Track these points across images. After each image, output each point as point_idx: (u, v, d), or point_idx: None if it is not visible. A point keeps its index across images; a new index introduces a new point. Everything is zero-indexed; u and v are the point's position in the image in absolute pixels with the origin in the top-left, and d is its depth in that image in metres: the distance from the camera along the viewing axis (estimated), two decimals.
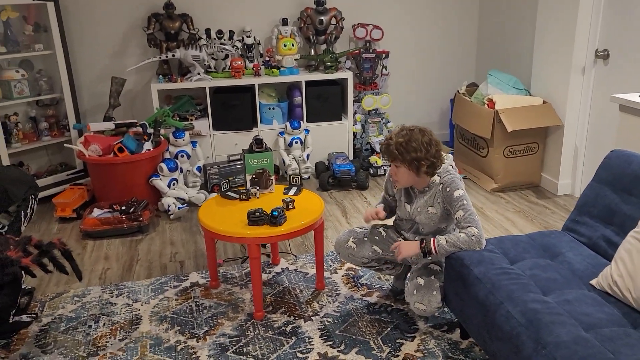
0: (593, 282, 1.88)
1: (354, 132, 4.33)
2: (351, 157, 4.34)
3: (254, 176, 2.71)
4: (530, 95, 3.86)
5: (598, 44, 3.38)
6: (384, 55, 4.38)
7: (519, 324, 1.70)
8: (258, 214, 2.38)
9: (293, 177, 2.78)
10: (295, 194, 2.71)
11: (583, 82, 3.50)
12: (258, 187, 2.70)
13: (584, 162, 3.64)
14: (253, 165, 2.69)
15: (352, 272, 2.85)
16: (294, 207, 2.54)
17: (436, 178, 2.23)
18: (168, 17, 4.05)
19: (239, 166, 4.07)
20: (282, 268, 2.93)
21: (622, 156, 2.13)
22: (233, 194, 2.71)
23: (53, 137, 3.93)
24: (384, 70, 4.44)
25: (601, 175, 2.18)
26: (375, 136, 4.29)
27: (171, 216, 3.60)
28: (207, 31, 4.13)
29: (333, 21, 4.29)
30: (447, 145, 4.66)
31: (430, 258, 2.28)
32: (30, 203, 2.40)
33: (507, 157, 3.75)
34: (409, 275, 2.34)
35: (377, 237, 2.46)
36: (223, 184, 2.75)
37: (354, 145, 4.39)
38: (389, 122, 4.29)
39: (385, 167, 4.21)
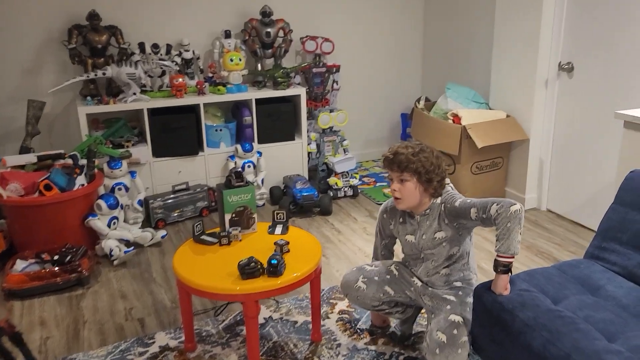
0: None
1: (308, 152, 4.02)
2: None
3: (233, 215, 2.32)
4: (490, 109, 3.79)
5: (561, 57, 3.36)
6: (335, 69, 4.13)
7: None
8: (253, 264, 2.00)
9: (277, 214, 2.42)
10: (283, 232, 2.36)
11: (547, 95, 3.47)
12: (239, 228, 2.31)
13: (549, 176, 3.60)
14: (232, 203, 2.30)
15: (347, 316, 2.54)
16: (288, 251, 2.18)
17: (437, 199, 2.03)
18: (93, 30, 3.51)
19: (185, 197, 3.61)
20: (264, 318, 2.54)
21: None
22: (210, 238, 2.30)
23: None
24: (334, 85, 4.19)
25: (624, 198, 2.06)
26: (332, 155, 4.01)
27: (115, 262, 3.07)
28: (141, 45, 3.63)
29: (281, 33, 3.96)
30: None
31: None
32: None
33: (474, 174, 3.63)
34: (427, 328, 2.05)
35: (389, 277, 2.19)
36: (196, 226, 2.32)
37: (309, 166, 4.08)
38: (344, 140, 4.04)
39: (346, 189, 3.95)
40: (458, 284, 2.10)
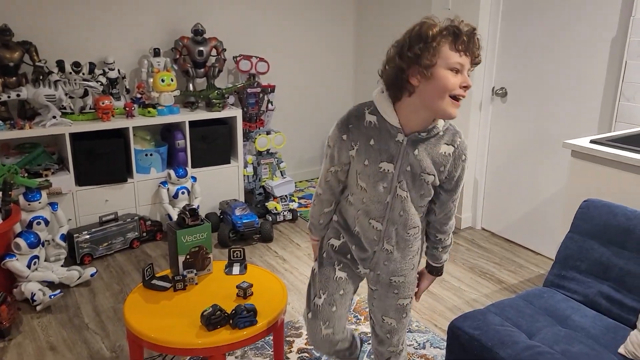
0: (621, 350, 1.78)
1: (244, 176, 3.86)
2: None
3: (188, 257, 2.13)
4: None
5: (495, 83, 3.49)
6: (270, 90, 4.01)
7: None
8: (219, 313, 1.84)
9: (234, 251, 2.26)
10: (241, 272, 2.21)
11: (481, 118, 3.59)
12: (194, 270, 2.13)
13: (484, 196, 3.73)
14: (187, 244, 2.11)
15: (307, 355, 2.42)
16: (252, 294, 2.04)
17: (440, 123, 1.57)
18: (3, 46, 3.14)
19: (114, 229, 3.32)
20: None
21: (601, 207, 2.10)
22: (162, 283, 2.09)
23: None
24: (269, 105, 4.07)
25: (580, 227, 2.13)
26: (269, 179, 3.88)
27: (38, 307, 2.74)
28: (60, 63, 3.30)
29: (214, 52, 3.78)
30: None
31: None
32: None
33: None
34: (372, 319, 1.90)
35: (341, 293, 1.77)
36: (146, 270, 2.11)
37: (245, 189, 3.92)
38: (282, 162, 3.93)
39: (286, 213, 3.83)
40: (413, 257, 1.77)
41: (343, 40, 4.57)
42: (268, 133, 3.85)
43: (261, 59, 3.96)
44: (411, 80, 1.49)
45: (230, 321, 1.84)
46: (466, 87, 1.48)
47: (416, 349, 2.47)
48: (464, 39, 1.43)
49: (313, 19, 4.37)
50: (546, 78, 3.18)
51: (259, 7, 4.09)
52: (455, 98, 1.48)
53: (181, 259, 2.12)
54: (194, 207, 2.14)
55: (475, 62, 1.50)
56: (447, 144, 1.59)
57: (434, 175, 1.60)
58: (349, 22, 4.55)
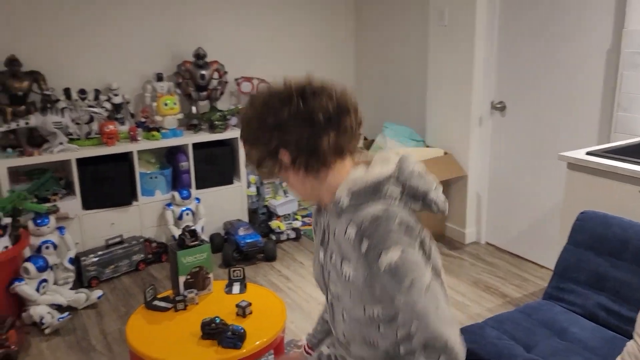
0: None
1: (248, 195, 3.91)
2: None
3: (188, 277, 2.17)
4: (427, 146, 3.89)
5: (494, 97, 3.52)
6: None
7: None
8: (214, 325, 1.87)
9: (234, 271, 2.29)
10: (241, 291, 2.24)
11: (481, 132, 3.61)
12: (195, 290, 2.17)
13: (487, 210, 3.73)
14: (188, 265, 2.15)
15: None
16: (251, 312, 2.07)
17: (344, 198, 1.17)
18: (12, 76, 3.24)
19: (120, 251, 3.37)
20: None
21: (596, 218, 2.11)
22: (164, 304, 2.13)
23: None
24: None
25: (577, 239, 2.14)
26: (272, 198, 3.92)
27: (46, 330, 2.78)
28: (67, 91, 3.39)
29: (215, 75, 3.86)
30: None
31: None
32: None
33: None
34: None
35: None
36: (148, 291, 2.15)
37: (249, 209, 3.97)
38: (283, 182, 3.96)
39: (289, 232, 3.86)
40: None
41: (343, 60, 4.63)
42: None
43: (262, 80, 4.03)
44: None
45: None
46: None
47: None
48: None
49: (312, 39, 4.44)
50: (544, 91, 3.21)
51: (258, 28, 4.17)
52: None
53: (182, 279, 2.15)
54: (193, 228, 2.19)
55: None
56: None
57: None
58: (349, 40, 4.62)
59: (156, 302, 2.15)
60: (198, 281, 2.19)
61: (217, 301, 2.17)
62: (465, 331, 1.96)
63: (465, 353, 1.11)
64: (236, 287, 2.26)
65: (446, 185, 3.79)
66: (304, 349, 1.55)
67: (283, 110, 1.15)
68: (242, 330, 1.88)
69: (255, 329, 1.94)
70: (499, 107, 3.49)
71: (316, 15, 4.40)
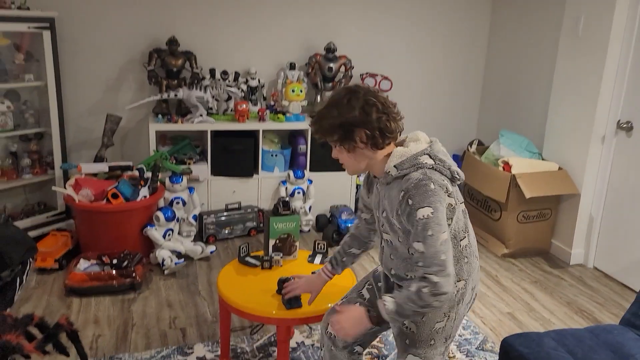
0: None
1: (357, 185, 4.14)
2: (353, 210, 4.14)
3: (277, 242, 2.46)
4: (543, 159, 3.79)
5: (621, 116, 3.34)
6: None
7: None
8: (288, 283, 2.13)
9: (318, 244, 2.54)
10: (322, 262, 2.48)
11: (602, 152, 3.44)
12: (281, 254, 2.45)
13: (599, 233, 3.55)
14: (278, 230, 2.45)
15: (375, 351, 2.61)
16: None
17: (392, 169, 1.62)
18: (171, 54, 3.80)
19: (237, 216, 3.80)
20: (296, 342, 2.66)
21: None
22: (253, 261, 2.45)
23: (35, 174, 3.57)
24: None
25: None
26: None
27: (165, 271, 3.29)
28: (212, 71, 3.89)
29: (342, 69, 4.14)
30: None
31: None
32: (27, 268, 2.07)
33: (520, 222, 3.63)
34: None
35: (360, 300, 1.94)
36: (242, 248, 2.48)
37: (356, 198, 4.20)
38: None
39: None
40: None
41: (473, 59, 4.63)
42: None
43: (385, 77, 4.22)
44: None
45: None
46: None
47: None
48: None
49: (442, 39, 4.51)
50: None
51: (387, 29, 4.35)
52: None
53: (271, 242, 2.45)
54: (287, 199, 2.47)
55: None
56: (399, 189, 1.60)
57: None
58: (481, 41, 4.61)
59: (247, 259, 2.47)
60: (285, 246, 2.47)
61: (298, 267, 2.44)
62: (521, 336, 2.00)
63: (452, 290, 1.57)
64: (318, 258, 2.50)
65: (556, 201, 3.67)
66: (324, 271, 2.05)
67: (361, 100, 1.62)
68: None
69: (321, 295, 2.17)
70: (625, 127, 3.30)
71: (449, 16, 4.46)
